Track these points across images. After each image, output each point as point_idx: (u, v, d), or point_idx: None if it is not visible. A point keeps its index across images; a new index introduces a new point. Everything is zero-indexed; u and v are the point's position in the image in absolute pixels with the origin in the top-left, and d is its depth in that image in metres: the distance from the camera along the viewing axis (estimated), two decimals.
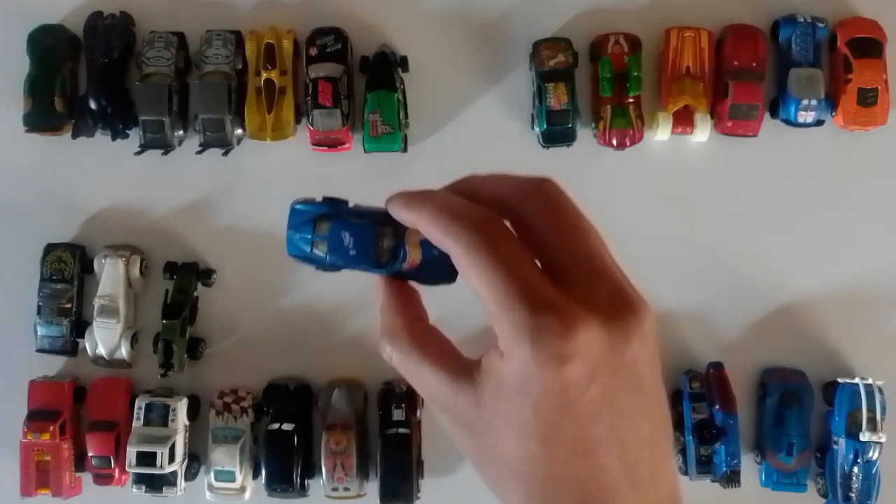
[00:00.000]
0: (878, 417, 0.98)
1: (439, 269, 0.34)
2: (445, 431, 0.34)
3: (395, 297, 0.36)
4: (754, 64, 1.04)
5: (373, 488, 1.01)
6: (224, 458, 1.00)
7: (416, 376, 0.34)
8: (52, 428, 1.00)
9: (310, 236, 0.35)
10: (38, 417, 1.02)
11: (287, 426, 1.01)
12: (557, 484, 0.31)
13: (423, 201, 0.33)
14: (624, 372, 0.31)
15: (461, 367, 0.33)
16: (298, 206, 0.35)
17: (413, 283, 0.36)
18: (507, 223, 0.33)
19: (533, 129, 1.05)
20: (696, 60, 1.03)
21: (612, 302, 0.31)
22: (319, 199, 0.36)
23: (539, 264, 0.33)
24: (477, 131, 1.06)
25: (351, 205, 0.36)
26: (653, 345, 0.32)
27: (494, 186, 0.34)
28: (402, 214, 0.34)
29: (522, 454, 0.31)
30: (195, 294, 1.05)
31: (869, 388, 0.99)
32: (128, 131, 1.06)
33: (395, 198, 0.34)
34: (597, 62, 1.04)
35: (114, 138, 1.06)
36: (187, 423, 1.02)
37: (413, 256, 0.34)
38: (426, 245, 0.34)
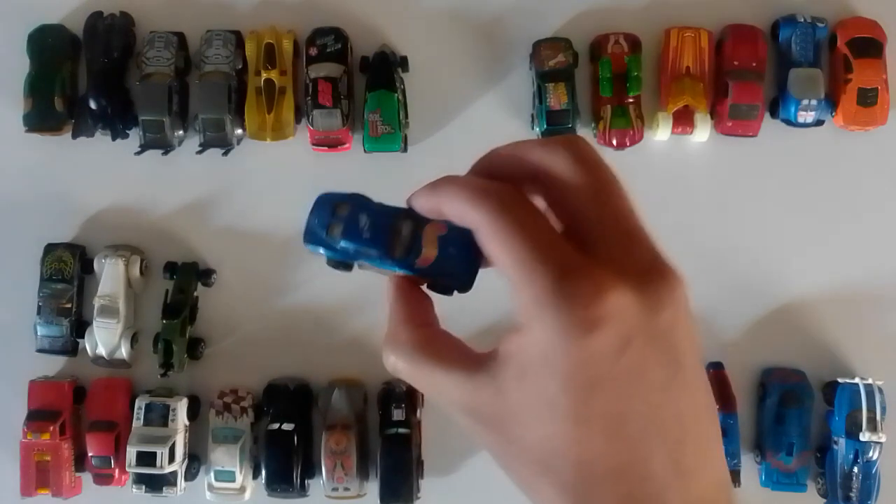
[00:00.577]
0: (878, 417, 0.98)
1: (455, 271, 0.34)
2: (469, 437, 0.31)
3: (402, 303, 0.34)
4: (754, 64, 1.04)
5: (373, 488, 1.01)
6: (224, 458, 1.00)
7: (427, 382, 0.32)
8: (52, 428, 1.00)
9: (327, 219, 0.35)
10: (38, 417, 1.02)
11: (287, 426, 1.01)
12: (595, 471, 0.28)
13: (447, 183, 0.32)
14: (659, 341, 0.29)
15: (475, 361, 0.31)
16: (324, 195, 0.36)
17: (426, 291, 0.35)
18: (538, 196, 0.32)
19: (533, 129, 1.05)
20: (696, 60, 1.03)
21: (643, 266, 0.29)
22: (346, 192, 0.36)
23: (567, 231, 0.31)
24: (477, 131, 1.06)
25: (376, 201, 0.36)
26: (687, 316, 0.30)
27: (519, 156, 0.33)
28: (425, 201, 0.33)
29: (554, 440, 0.28)
30: (195, 294, 1.05)
31: (869, 388, 0.99)
32: (128, 131, 1.06)
33: (418, 190, 0.33)
34: (597, 62, 1.04)
35: (114, 138, 1.06)
36: (187, 423, 1.02)
37: (428, 252, 0.34)
38: (443, 243, 0.33)
